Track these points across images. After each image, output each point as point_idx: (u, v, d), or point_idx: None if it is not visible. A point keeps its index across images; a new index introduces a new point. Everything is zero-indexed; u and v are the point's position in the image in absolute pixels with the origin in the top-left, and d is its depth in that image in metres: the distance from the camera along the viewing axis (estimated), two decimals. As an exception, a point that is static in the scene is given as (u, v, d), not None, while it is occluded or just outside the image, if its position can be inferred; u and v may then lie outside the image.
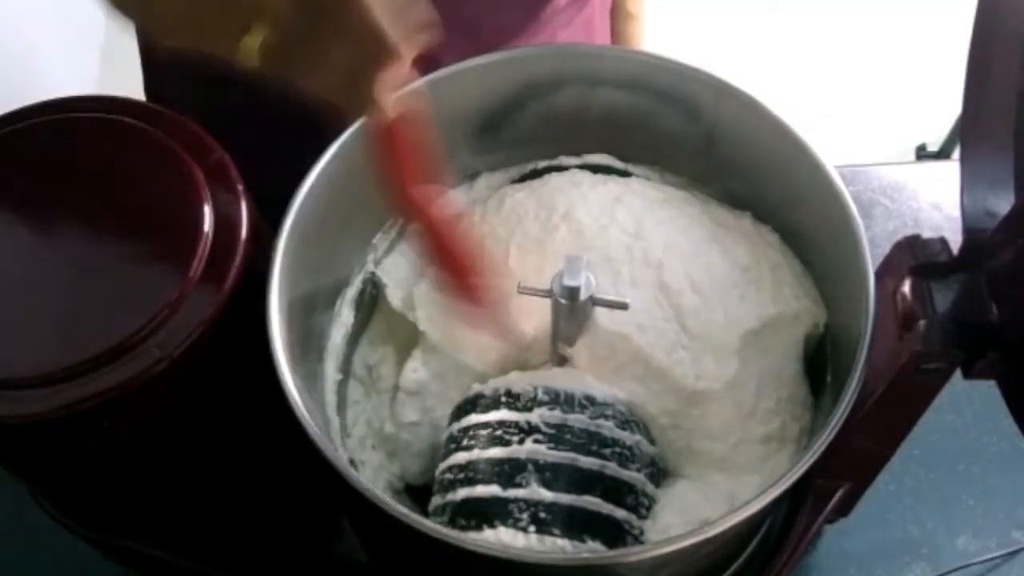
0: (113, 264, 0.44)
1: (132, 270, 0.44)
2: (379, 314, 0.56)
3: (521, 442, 0.44)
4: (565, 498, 0.42)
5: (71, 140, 0.49)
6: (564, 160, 0.58)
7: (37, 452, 0.44)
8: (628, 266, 0.51)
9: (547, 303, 0.46)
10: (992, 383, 0.40)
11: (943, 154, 1.56)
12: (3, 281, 0.44)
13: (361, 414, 0.52)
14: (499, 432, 0.45)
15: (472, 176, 0.58)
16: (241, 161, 0.48)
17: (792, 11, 1.88)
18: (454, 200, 0.57)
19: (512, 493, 0.42)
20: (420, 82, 0.51)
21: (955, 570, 0.58)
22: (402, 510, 0.38)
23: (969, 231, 0.41)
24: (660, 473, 0.46)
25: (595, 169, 0.57)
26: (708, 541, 0.38)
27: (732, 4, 1.89)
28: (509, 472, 0.43)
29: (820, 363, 0.50)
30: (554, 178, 0.55)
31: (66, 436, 0.42)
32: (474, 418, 0.46)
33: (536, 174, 0.57)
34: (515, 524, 0.42)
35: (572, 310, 0.46)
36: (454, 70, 0.52)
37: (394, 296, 0.54)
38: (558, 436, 0.44)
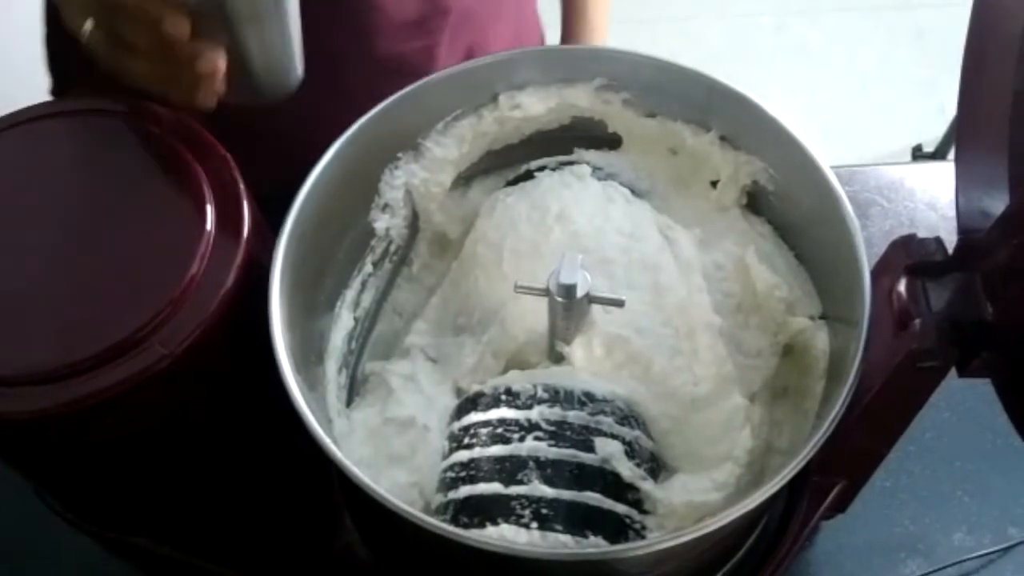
0: (116, 262, 0.44)
1: (135, 268, 0.44)
2: (380, 320, 0.57)
3: (522, 439, 0.44)
4: (566, 494, 0.42)
5: (75, 139, 0.49)
6: (556, 160, 0.58)
7: (41, 449, 0.44)
8: (624, 268, 0.51)
9: (544, 302, 0.47)
10: (987, 381, 0.41)
11: (939, 155, 1.57)
12: (7, 279, 0.44)
13: (361, 418, 0.53)
14: (500, 430, 0.45)
15: (467, 181, 0.59)
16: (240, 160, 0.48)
17: (789, 13, 1.88)
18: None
19: (514, 490, 0.43)
20: (414, 86, 0.52)
21: (951, 566, 0.58)
22: (407, 508, 0.38)
23: (964, 231, 0.41)
24: (659, 468, 0.47)
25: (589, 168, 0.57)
26: (708, 536, 0.38)
27: (731, 7, 1.89)
28: (511, 469, 0.43)
29: (817, 360, 0.51)
30: (546, 179, 0.55)
31: (70, 433, 0.42)
32: (474, 416, 0.46)
33: (529, 175, 0.57)
34: (517, 521, 0.42)
35: (569, 308, 0.46)
36: (446, 74, 0.53)
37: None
38: (558, 433, 0.44)
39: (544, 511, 0.42)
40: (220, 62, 0.44)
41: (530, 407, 0.45)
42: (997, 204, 0.36)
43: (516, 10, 0.75)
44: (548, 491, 0.42)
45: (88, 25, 0.44)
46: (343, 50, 0.58)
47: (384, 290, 0.57)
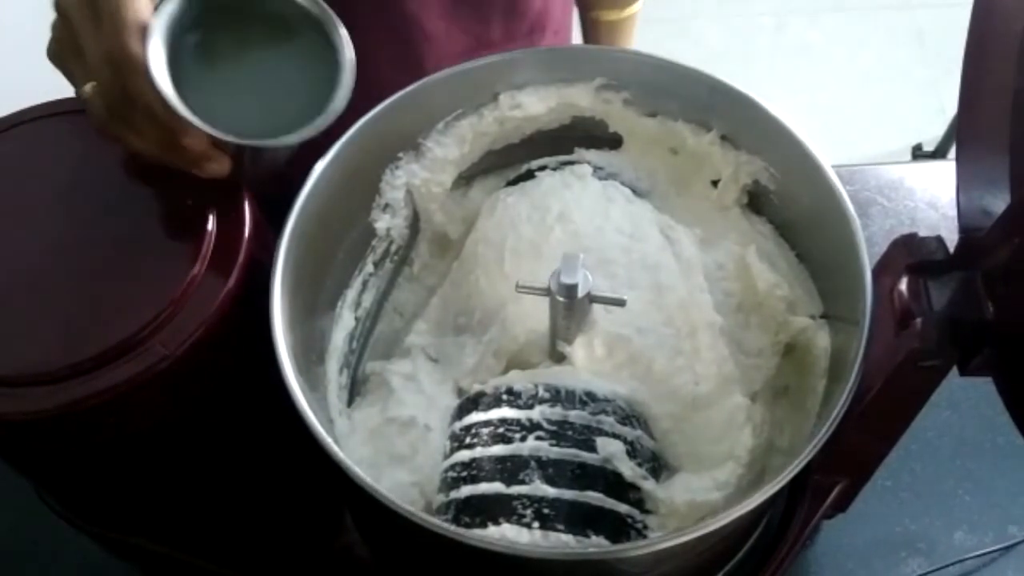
0: (117, 263, 0.44)
1: (135, 269, 0.44)
2: (381, 320, 0.57)
3: (523, 439, 0.44)
4: (568, 494, 0.42)
5: (75, 139, 0.49)
6: (557, 159, 0.58)
7: (43, 449, 0.44)
8: (625, 268, 0.51)
9: (544, 302, 0.47)
10: (988, 379, 0.41)
11: (939, 154, 1.57)
12: (9, 280, 0.44)
13: (362, 418, 0.53)
14: (501, 430, 0.45)
15: (468, 181, 0.59)
16: None
17: (789, 13, 1.88)
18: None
19: (516, 490, 0.43)
20: (414, 86, 0.51)
21: (952, 564, 0.58)
22: (408, 508, 0.38)
23: (965, 230, 0.41)
24: (661, 467, 0.47)
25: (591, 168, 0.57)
26: (710, 535, 0.38)
27: (731, 7, 1.89)
28: (512, 469, 0.43)
29: (818, 359, 0.51)
30: (547, 179, 0.55)
31: (71, 433, 0.42)
32: (476, 416, 0.46)
33: (529, 175, 0.57)
34: (519, 520, 0.42)
35: (570, 308, 0.46)
36: (446, 74, 0.53)
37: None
38: (560, 433, 0.44)
39: (546, 511, 0.42)
40: (227, 165, 0.44)
41: (531, 407, 0.45)
42: (998, 203, 0.36)
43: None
44: (550, 491, 0.42)
45: (89, 88, 0.42)
46: (388, 79, 0.56)
47: (385, 290, 0.57)
